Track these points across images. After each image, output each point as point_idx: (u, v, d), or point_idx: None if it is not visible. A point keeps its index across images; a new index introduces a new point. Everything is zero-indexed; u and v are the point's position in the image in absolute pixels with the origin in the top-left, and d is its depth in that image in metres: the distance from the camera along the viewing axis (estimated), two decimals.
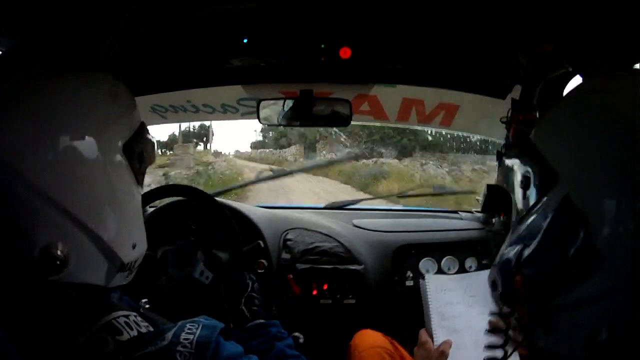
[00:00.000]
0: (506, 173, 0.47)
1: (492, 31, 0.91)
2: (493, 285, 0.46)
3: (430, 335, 0.87)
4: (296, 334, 1.08)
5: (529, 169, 0.42)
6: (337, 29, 0.94)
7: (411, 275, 1.21)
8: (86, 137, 0.44)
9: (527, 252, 0.39)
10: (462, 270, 1.21)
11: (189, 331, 0.44)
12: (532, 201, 0.41)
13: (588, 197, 0.35)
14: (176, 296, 0.96)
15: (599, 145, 0.35)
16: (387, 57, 1.04)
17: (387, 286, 1.20)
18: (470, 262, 1.22)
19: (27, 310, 0.42)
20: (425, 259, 1.23)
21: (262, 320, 0.77)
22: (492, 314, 0.52)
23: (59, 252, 0.42)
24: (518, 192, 0.44)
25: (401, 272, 1.22)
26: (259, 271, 1.11)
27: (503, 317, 0.52)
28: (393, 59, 1.05)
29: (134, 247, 0.50)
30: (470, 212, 1.52)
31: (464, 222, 1.43)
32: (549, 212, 0.37)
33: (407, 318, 1.00)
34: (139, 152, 0.51)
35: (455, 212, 1.54)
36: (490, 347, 0.66)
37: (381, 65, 1.08)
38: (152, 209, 1.22)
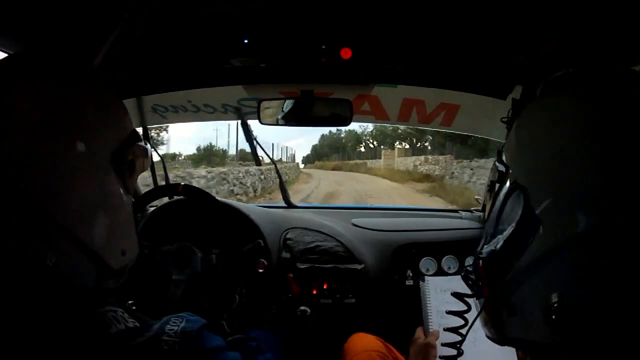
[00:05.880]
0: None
1: (493, 31, 0.91)
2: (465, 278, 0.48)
3: (426, 333, 0.89)
4: (303, 307, 1.11)
5: (494, 172, 0.46)
6: (337, 29, 0.94)
7: (411, 274, 1.22)
8: (75, 147, 0.45)
9: (487, 238, 0.44)
10: (462, 269, 1.21)
11: (173, 324, 0.47)
12: (494, 198, 0.46)
13: (526, 173, 0.40)
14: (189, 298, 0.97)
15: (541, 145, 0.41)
16: (387, 57, 1.03)
17: (387, 285, 1.21)
18: (470, 261, 1.22)
19: (23, 315, 0.43)
20: (425, 258, 1.23)
21: (240, 336, 0.77)
22: (454, 293, 0.55)
23: (48, 262, 0.42)
24: (486, 195, 0.49)
25: (401, 271, 1.22)
26: (259, 270, 1.11)
27: (462, 299, 0.54)
28: (394, 60, 1.05)
29: (123, 253, 0.51)
30: (470, 211, 1.52)
31: (464, 221, 1.44)
32: (500, 198, 0.42)
33: (407, 317, 1.00)
34: (128, 161, 0.51)
35: (456, 211, 1.55)
36: (449, 329, 0.69)
37: (382, 66, 1.08)
38: (152, 209, 1.23)
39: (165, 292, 0.96)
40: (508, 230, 0.39)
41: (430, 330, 0.89)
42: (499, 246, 0.40)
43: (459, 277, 1.19)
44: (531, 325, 0.37)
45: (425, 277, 1.01)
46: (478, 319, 0.46)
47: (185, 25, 0.91)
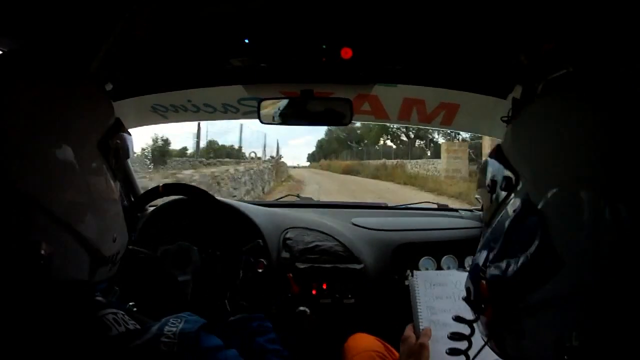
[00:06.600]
0: (480, 174, 0.48)
1: (493, 30, 0.91)
2: (467, 292, 0.45)
3: (417, 330, 0.88)
4: (302, 308, 1.11)
5: (496, 172, 0.43)
6: (338, 29, 0.94)
7: (410, 274, 1.22)
8: (64, 138, 0.46)
9: (491, 255, 0.40)
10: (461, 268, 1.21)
11: (172, 325, 0.48)
12: (497, 204, 0.42)
13: (545, 197, 0.36)
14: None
15: (554, 149, 0.37)
16: (388, 57, 1.04)
17: (386, 285, 1.21)
18: (469, 261, 1.22)
19: (17, 311, 0.43)
20: (424, 257, 1.23)
21: (243, 315, 0.77)
22: (456, 318, 0.52)
23: (42, 252, 0.42)
24: (485, 195, 0.44)
25: (401, 270, 1.22)
26: (259, 270, 1.11)
27: (467, 323, 0.52)
28: (394, 59, 1.05)
29: (114, 240, 0.52)
30: (471, 210, 1.52)
31: (464, 220, 1.44)
32: (510, 213, 0.38)
33: (406, 317, 1.00)
34: (114, 148, 0.52)
35: (456, 210, 1.55)
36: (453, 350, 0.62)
37: (382, 66, 1.08)
38: (152, 209, 1.23)
39: (173, 294, 0.95)
40: (521, 259, 0.36)
41: (421, 327, 0.88)
42: (510, 273, 0.37)
43: (449, 271, 1.17)
44: (538, 354, 0.36)
45: (415, 271, 1.00)
46: (479, 330, 0.45)
47: (186, 25, 0.91)
